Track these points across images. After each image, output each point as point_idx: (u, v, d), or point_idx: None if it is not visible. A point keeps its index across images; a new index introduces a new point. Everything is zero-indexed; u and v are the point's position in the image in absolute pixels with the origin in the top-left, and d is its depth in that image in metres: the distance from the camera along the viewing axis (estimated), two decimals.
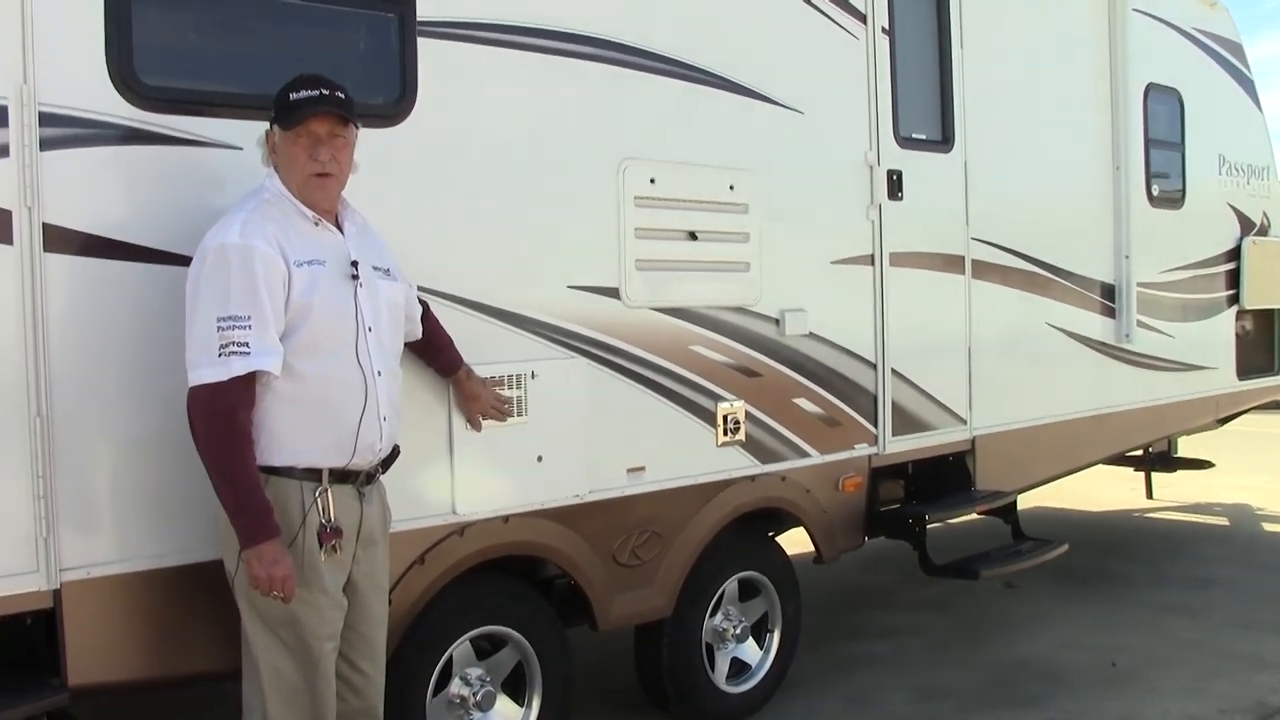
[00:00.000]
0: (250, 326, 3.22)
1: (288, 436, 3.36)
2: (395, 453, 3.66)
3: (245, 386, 3.25)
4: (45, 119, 3.30)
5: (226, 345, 3.20)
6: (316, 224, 3.45)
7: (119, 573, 3.45)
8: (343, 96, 3.43)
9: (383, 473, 3.64)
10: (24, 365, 3.27)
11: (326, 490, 3.40)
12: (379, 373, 3.49)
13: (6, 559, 3.26)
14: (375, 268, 3.58)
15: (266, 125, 3.48)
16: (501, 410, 4.20)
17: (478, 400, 4.13)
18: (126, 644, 3.51)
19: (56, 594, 3.34)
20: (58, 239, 3.33)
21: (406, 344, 3.82)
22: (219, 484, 3.27)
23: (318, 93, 3.39)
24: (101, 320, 3.41)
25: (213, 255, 3.26)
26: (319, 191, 3.45)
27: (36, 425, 3.28)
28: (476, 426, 4.17)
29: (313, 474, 3.40)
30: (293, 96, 3.39)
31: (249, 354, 3.22)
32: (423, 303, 3.93)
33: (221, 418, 3.23)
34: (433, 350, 4.01)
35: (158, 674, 3.60)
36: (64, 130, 3.35)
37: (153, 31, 3.56)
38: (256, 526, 3.23)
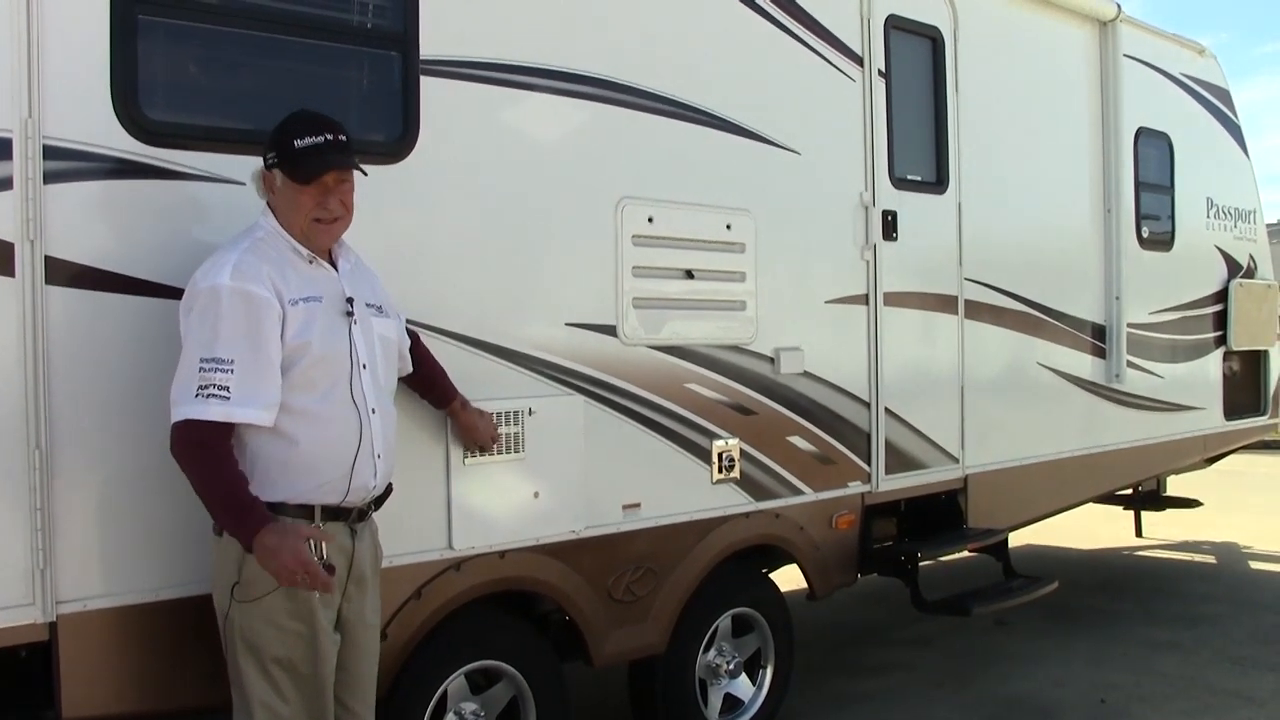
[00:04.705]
0: (233, 371, 3.16)
1: (280, 474, 3.31)
2: (388, 491, 3.63)
3: (223, 427, 3.20)
4: (49, 152, 3.31)
5: (206, 387, 3.14)
6: (311, 262, 3.41)
7: (116, 605, 3.44)
8: (345, 140, 3.39)
9: (375, 510, 3.61)
10: (24, 397, 3.26)
11: (319, 528, 3.36)
12: (373, 410, 3.45)
13: (2, 591, 3.24)
14: (368, 304, 3.54)
15: (260, 160, 3.43)
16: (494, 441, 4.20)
17: (475, 431, 4.12)
18: (122, 677, 3.49)
19: (52, 626, 3.32)
20: (60, 272, 3.33)
21: (400, 378, 3.80)
22: (208, 502, 3.21)
23: (323, 139, 3.33)
24: (102, 354, 3.41)
25: (204, 296, 3.21)
26: (325, 236, 3.43)
27: (35, 458, 3.27)
28: (479, 452, 4.17)
29: (305, 511, 3.35)
30: (298, 144, 3.32)
31: (228, 400, 3.15)
32: (412, 335, 3.92)
33: (198, 448, 3.18)
34: (426, 383, 3.99)
35: (153, 707, 3.58)
36: (67, 164, 3.35)
37: (157, 66, 3.57)
38: (252, 521, 3.15)
